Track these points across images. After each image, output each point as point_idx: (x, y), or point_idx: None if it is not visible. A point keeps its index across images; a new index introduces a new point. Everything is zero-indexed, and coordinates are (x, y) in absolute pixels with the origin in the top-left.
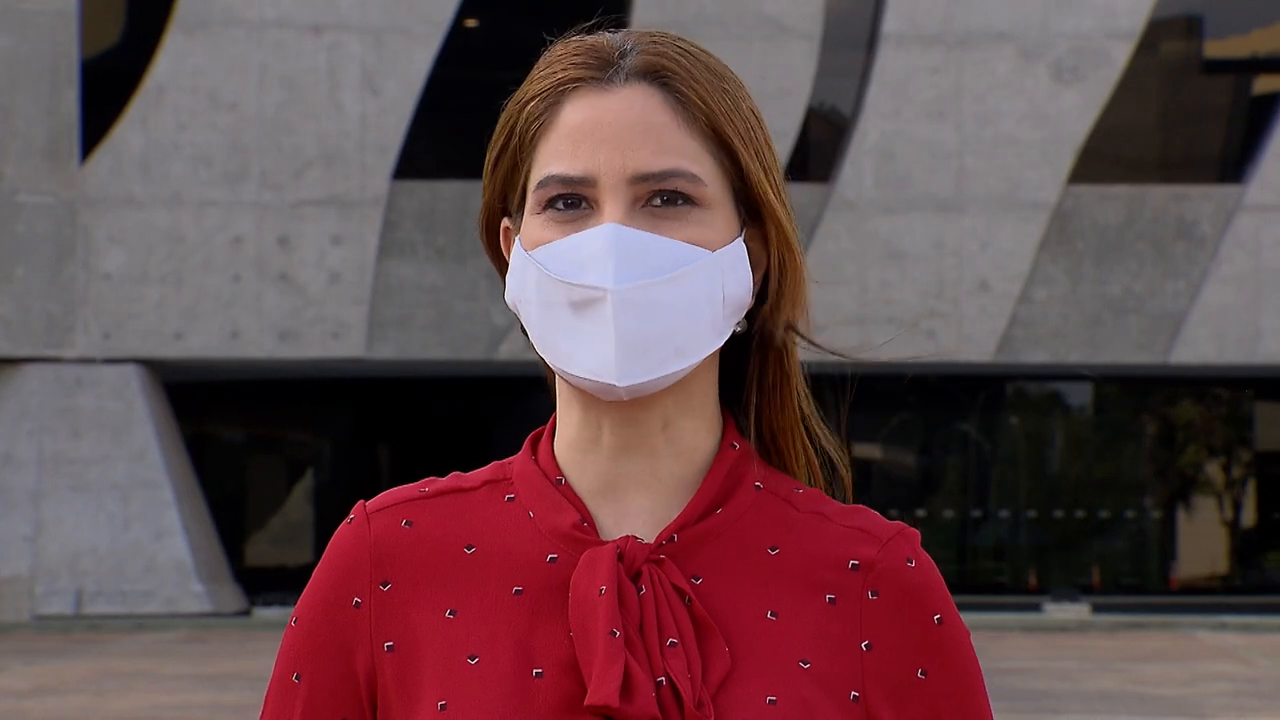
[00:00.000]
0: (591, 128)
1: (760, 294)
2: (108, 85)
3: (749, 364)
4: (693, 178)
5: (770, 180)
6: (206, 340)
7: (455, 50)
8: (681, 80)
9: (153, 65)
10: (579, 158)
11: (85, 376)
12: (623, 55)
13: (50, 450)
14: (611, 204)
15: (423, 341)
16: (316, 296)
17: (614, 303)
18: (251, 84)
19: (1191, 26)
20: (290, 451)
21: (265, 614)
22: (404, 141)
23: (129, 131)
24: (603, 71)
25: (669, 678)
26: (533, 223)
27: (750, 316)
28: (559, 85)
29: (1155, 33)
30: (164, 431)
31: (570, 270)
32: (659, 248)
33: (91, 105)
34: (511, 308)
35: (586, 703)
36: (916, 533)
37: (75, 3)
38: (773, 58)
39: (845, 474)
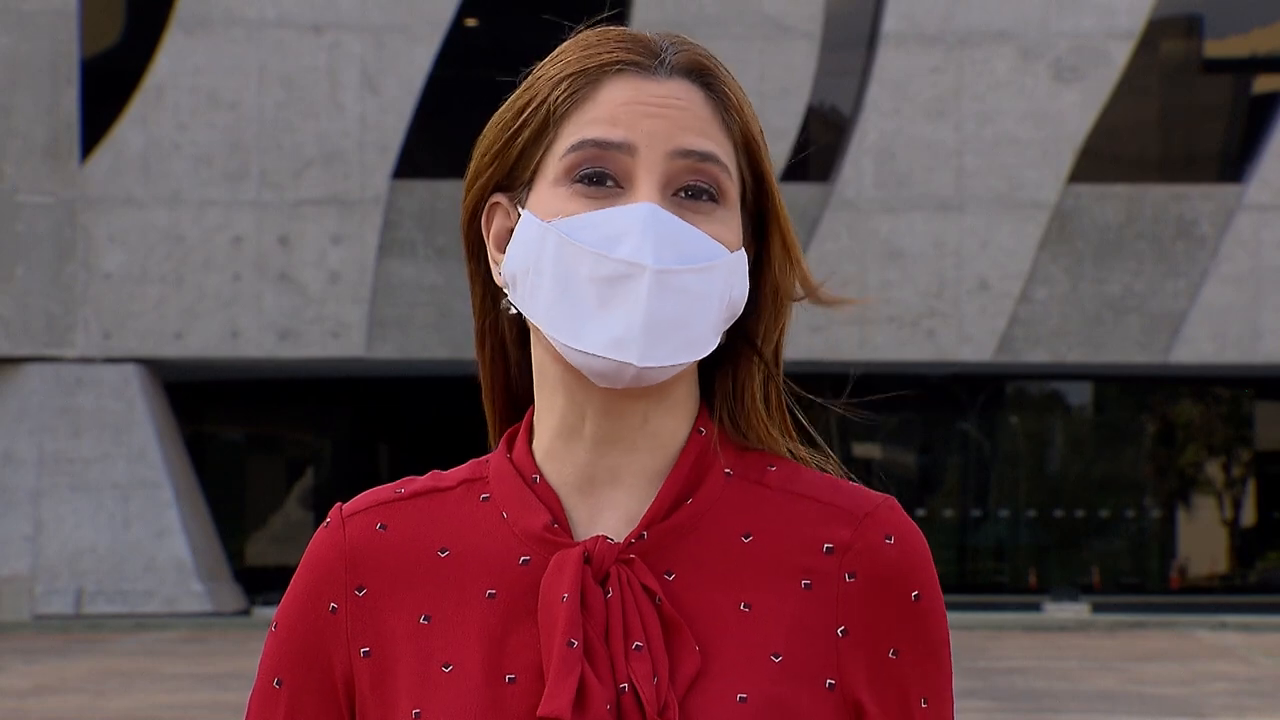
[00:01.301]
0: (636, 102)
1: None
2: (108, 85)
3: (720, 379)
4: (726, 169)
5: (779, 195)
6: (206, 340)
7: (455, 50)
8: (724, 83)
9: (153, 65)
10: (619, 125)
11: (85, 376)
12: (664, 50)
13: (50, 450)
14: (646, 180)
15: (423, 341)
16: (316, 296)
17: (650, 281)
18: (251, 84)
19: (1191, 26)
20: (290, 451)
21: (265, 613)
22: (404, 141)
23: (129, 131)
24: (649, 59)
25: (632, 684)
26: (554, 194)
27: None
28: (603, 65)
29: (1155, 32)
30: (164, 431)
31: (602, 244)
32: (691, 236)
33: (91, 105)
34: (506, 281)
35: (538, 714)
36: (895, 503)
37: (75, 2)
38: (773, 58)
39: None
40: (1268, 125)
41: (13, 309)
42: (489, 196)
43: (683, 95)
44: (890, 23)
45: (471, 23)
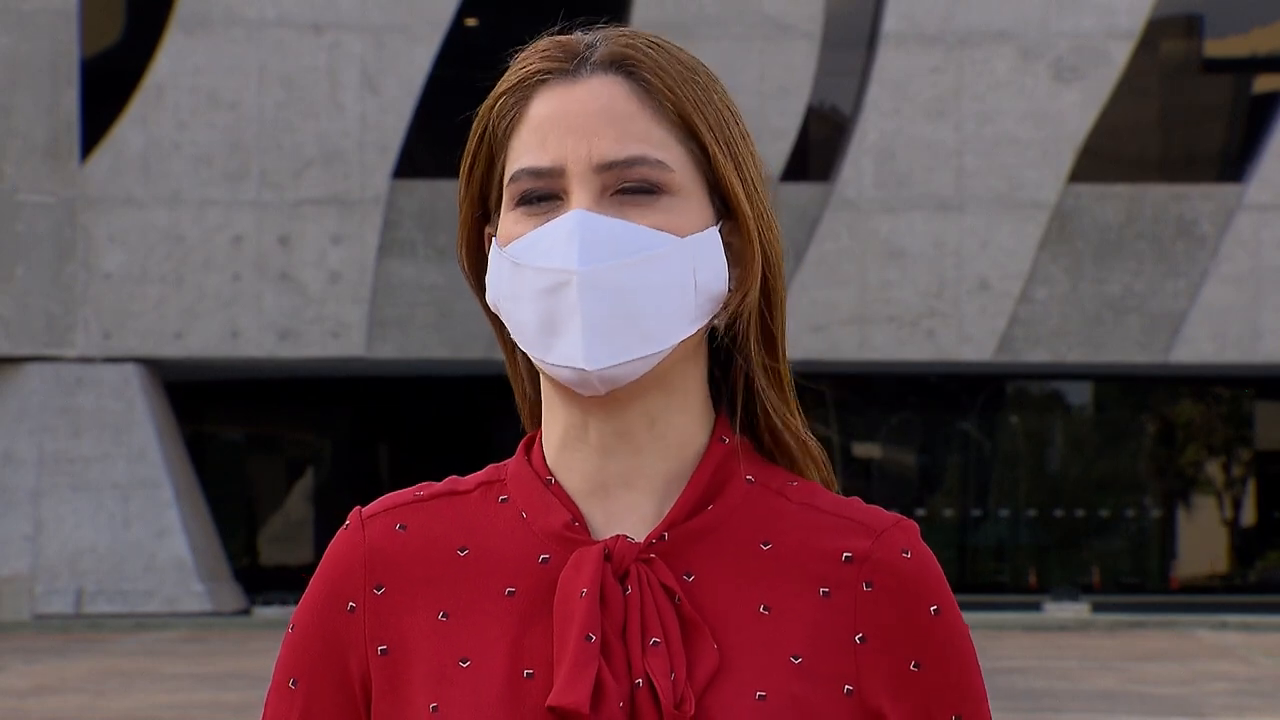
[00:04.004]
0: (558, 118)
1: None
2: (108, 85)
3: (735, 360)
4: (658, 164)
5: (741, 173)
6: (206, 340)
7: (455, 50)
8: (647, 69)
9: (153, 65)
10: (547, 149)
11: (85, 376)
12: (590, 48)
13: (50, 450)
14: (579, 193)
15: (423, 341)
16: (316, 296)
17: (579, 284)
18: (251, 84)
19: (1191, 26)
20: (290, 451)
21: (265, 613)
22: (404, 141)
23: (129, 131)
24: (569, 63)
25: (648, 678)
26: (507, 219)
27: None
28: (526, 80)
29: (1155, 32)
30: (164, 431)
31: (539, 258)
32: (624, 233)
33: (91, 105)
34: (494, 310)
35: (548, 703)
36: (914, 524)
37: (75, 2)
38: (773, 58)
39: (827, 473)
40: (1268, 125)
41: (13, 309)
42: (480, 231)
43: (605, 92)
44: (890, 23)
45: (471, 23)
